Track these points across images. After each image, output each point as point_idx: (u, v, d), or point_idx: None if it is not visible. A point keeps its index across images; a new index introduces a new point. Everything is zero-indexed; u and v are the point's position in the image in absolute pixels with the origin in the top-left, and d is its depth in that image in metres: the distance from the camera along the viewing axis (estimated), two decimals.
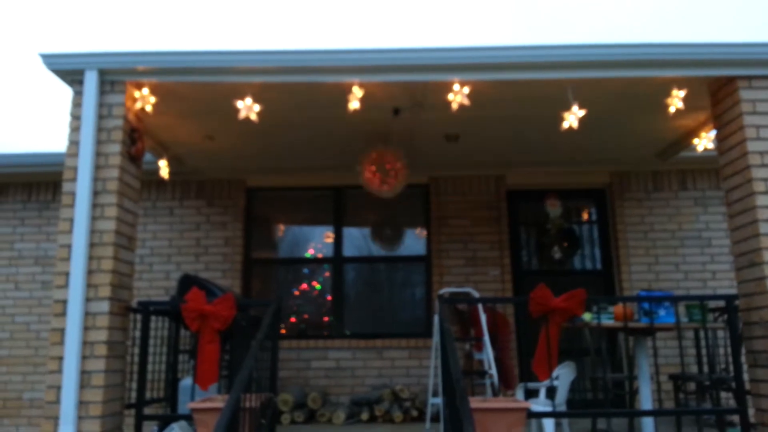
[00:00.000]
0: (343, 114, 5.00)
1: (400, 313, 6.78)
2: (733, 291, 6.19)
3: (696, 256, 6.59)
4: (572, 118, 4.52)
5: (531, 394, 4.62)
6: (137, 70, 4.40)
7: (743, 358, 4.33)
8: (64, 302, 4.10)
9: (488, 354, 5.26)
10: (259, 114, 4.63)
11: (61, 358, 4.04)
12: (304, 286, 6.85)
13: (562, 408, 4.49)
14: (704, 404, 5.05)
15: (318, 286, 6.85)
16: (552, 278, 6.63)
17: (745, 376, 4.26)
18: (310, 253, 6.93)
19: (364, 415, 5.70)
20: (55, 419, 3.98)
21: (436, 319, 5.27)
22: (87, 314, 4.11)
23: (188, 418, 4.25)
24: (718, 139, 4.62)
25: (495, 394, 5.07)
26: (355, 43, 34.69)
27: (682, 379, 5.10)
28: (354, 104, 4.54)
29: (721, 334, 5.63)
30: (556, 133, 5.53)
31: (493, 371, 5.13)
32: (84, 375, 4.04)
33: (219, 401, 3.90)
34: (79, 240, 4.14)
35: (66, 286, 4.12)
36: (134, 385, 4.55)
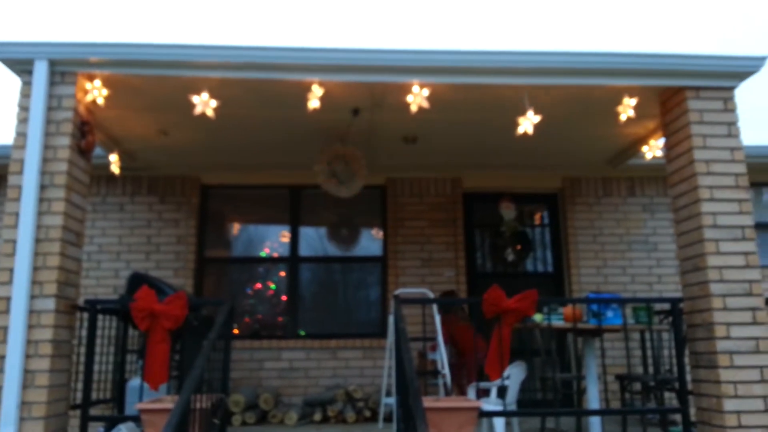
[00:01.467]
0: (302, 113, 4.98)
1: (355, 314, 6.79)
2: (678, 294, 6.43)
3: (643, 260, 6.81)
4: (527, 123, 4.60)
5: (482, 393, 4.69)
6: (89, 62, 4.30)
7: (686, 359, 4.48)
8: (8, 299, 4.00)
9: (441, 354, 5.32)
10: (215, 110, 4.58)
11: (2, 357, 3.93)
12: (259, 285, 6.80)
13: (513, 407, 4.57)
14: (649, 404, 5.21)
15: (273, 286, 6.80)
16: (505, 280, 6.75)
17: (688, 377, 4.41)
18: (265, 252, 6.87)
19: (317, 416, 5.68)
20: None
21: (391, 319, 5.29)
22: (31, 312, 4.01)
23: (136, 419, 4.18)
24: (667, 148, 4.77)
25: (447, 393, 5.13)
26: (320, 41, 34.59)
27: (628, 379, 5.25)
28: (313, 103, 4.54)
29: (665, 335, 5.83)
30: (511, 138, 5.60)
31: (446, 371, 5.19)
32: (27, 374, 3.94)
33: (168, 402, 3.85)
34: (25, 235, 4.04)
35: (10, 282, 4.02)
36: (80, 386, 4.44)
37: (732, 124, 4.47)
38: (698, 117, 4.47)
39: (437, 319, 5.49)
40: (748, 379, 4.07)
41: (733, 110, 4.50)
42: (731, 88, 4.54)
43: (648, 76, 4.52)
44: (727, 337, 4.12)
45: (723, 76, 4.51)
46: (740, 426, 3.98)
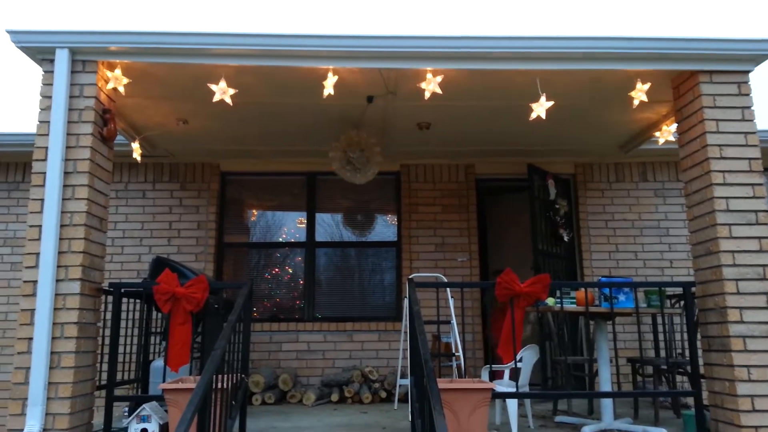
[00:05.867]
0: (317, 100, 5.03)
1: (370, 297, 6.88)
2: (690, 279, 6.45)
3: (654, 245, 6.81)
4: (540, 109, 4.58)
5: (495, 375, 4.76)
6: (110, 50, 4.33)
7: (698, 343, 4.49)
8: (34, 283, 4.04)
9: (455, 336, 5.39)
10: (233, 98, 4.63)
11: (30, 339, 3.98)
12: (277, 270, 6.90)
13: (525, 389, 4.63)
14: (661, 387, 5.23)
15: (290, 271, 6.90)
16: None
17: (700, 361, 4.41)
18: (282, 237, 6.97)
19: (334, 396, 5.79)
20: (23, 401, 3.92)
21: (405, 302, 5.37)
22: (57, 295, 4.06)
23: (160, 398, 4.25)
24: (679, 132, 4.72)
25: (461, 375, 5.20)
26: (338, 27, 34.32)
27: (640, 362, 5.28)
28: (328, 90, 4.56)
29: (677, 319, 5.85)
30: (524, 124, 5.65)
31: (460, 353, 5.27)
32: (54, 356, 3.99)
33: (190, 382, 3.91)
34: (50, 221, 4.09)
35: (36, 266, 4.06)
36: (105, 367, 4.52)
37: (746, 108, 4.41)
38: (711, 101, 4.43)
39: (451, 302, 5.56)
40: (762, 364, 4.05)
41: (747, 94, 4.44)
42: (746, 72, 4.48)
43: (660, 60, 4.48)
44: (740, 321, 4.10)
45: (737, 60, 4.46)
46: (754, 410, 3.98)
